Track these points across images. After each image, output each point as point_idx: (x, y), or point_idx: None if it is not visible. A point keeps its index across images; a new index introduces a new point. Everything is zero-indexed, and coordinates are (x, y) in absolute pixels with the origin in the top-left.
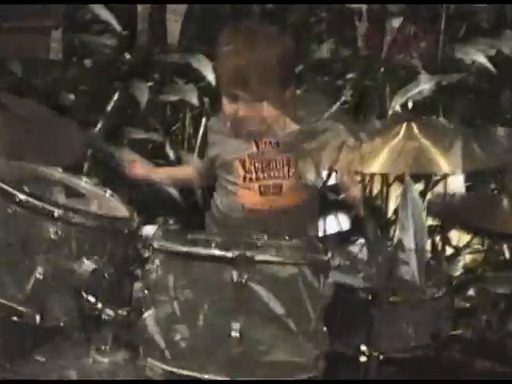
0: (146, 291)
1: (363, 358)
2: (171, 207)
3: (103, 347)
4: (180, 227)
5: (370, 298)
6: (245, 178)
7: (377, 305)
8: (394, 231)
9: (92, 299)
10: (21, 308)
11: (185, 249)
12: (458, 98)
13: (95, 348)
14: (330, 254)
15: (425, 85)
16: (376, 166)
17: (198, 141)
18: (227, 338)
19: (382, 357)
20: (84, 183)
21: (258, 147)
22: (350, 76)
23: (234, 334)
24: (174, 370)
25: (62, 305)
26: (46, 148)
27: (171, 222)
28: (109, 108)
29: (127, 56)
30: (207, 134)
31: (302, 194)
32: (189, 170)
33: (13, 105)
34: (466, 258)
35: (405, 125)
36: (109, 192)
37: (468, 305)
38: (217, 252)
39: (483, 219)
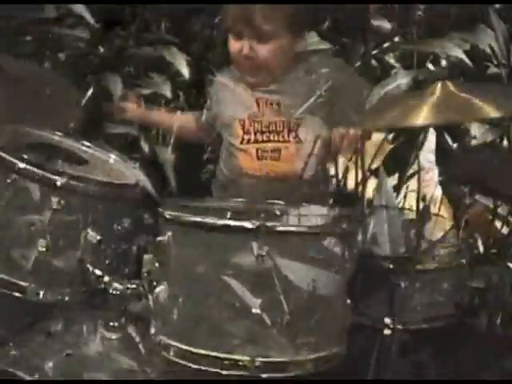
0: (157, 264)
1: (387, 331)
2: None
3: (111, 323)
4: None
5: (391, 266)
6: (243, 139)
7: (400, 274)
8: (369, 225)
9: (98, 272)
10: (23, 283)
11: (199, 219)
12: None
13: (103, 324)
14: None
15: (401, 79)
16: (420, 118)
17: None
18: (247, 314)
19: (405, 327)
20: (87, 148)
21: (258, 107)
22: (324, 71)
23: (255, 310)
24: (187, 347)
25: (66, 279)
26: (44, 111)
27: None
28: (83, 102)
29: (101, 49)
30: (212, 89)
31: (304, 163)
32: (189, 117)
33: (8, 66)
34: (441, 252)
35: (439, 84)
36: (113, 157)
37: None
38: (233, 222)
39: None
